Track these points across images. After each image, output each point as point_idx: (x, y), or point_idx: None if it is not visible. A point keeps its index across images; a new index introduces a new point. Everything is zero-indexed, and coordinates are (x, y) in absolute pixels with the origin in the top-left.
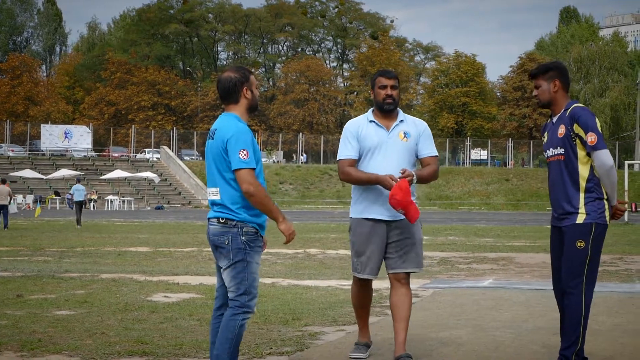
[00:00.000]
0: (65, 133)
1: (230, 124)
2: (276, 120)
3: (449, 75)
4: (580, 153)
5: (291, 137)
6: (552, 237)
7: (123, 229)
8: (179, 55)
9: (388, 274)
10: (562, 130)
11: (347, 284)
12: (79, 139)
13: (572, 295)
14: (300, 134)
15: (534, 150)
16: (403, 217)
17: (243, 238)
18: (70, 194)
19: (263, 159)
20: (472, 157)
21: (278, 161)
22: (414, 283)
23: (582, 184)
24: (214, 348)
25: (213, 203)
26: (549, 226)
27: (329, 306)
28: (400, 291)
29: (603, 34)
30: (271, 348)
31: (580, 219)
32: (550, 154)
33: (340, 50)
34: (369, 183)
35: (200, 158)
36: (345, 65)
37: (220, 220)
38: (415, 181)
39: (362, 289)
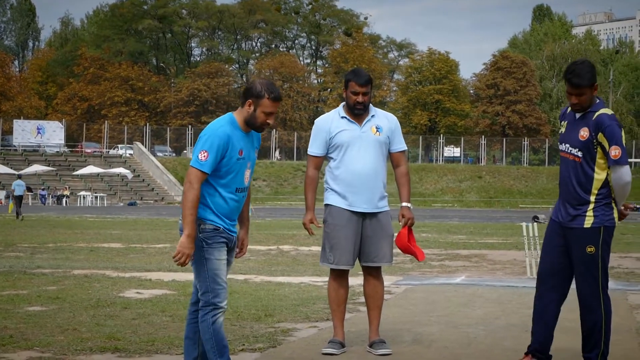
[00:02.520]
0: (38, 128)
1: (215, 124)
2: None
3: (423, 72)
4: (599, 161)
5: (264, 134)
6: (550, 230)
7: (95, 225)
8: (153, 51)
9: (362, 265)
10: (585, 133)
11: (320, 280)
12: (52, 134)
13: (595, 306)
14: (274, 130)
15: (507, 147)
16: (379, 210)
17: (200, 235)
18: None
19: None
20: (445, 155)
21: None
22: (387, 280)
23: (594, 191)
24: (189, 342)
25: None
26: (522, 224)
27: (302, 303)
28: (373, 282)
29: (576, 32)
30: (243, 344)
31: (588, 222)
32: (566, 150)
33: (314, 47)
34: (305, 205)
35: (174, 154)
36: (318, 62)
37: None
38: (413, 222)
39: (337, 281)
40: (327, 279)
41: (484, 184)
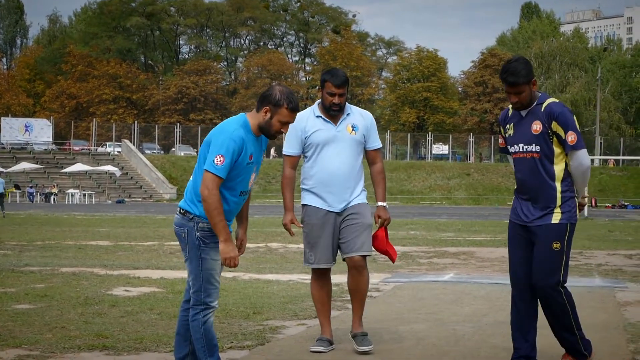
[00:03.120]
0: (26, 126)
1: (227, 126)
2: (237, 114)
3: (411, 70)
4: (556, 151)
5: None
6: (513, 233)
7: (84, 223)
8: (141, 49)
9: (343, 258)
10: (537, 126)
11: (309, 278)
12: (40, 132)
13: (553, 297)
14: None
15: (495, 145)
16: (354, 203)
17: (198, 234)
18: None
19: None
20: (433, 152)
21: None
22: (375, 277)
23: (558, 182)
24: (180, 339)
25: (186, 188)
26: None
27: (290, 300)
28: (356, 274)
29: (564, 29)
30: (232, 342)
31: (556, 219)
32: (520, 150)
33: (302, 45)
34: (283, 205)
35: (162, 152)
36: (307, 60)
37: (181, 210)
38: (389, 222)
39: (319, 280)
40: None
41: (472, 181)
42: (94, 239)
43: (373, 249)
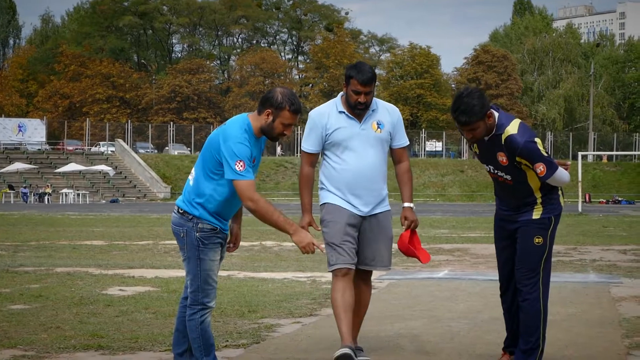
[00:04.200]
0: (19, 126)
1: (232, 130)
2: (231, 112)
3: (404, 67)
4: (529, 173)
5: None
6: (498, 234)
7: (78, 223)
8: (134, 48)
9: (361, 269)
10: (503, 158)
11: (303, 276)
12: (33, 132)
13: (530, 294)
14: None
15: None
16: (378, 211)
17: (197, 234)
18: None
19: None
20: (427, 149)
21: None
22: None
23: (536, 190)
24: (179, 335)
25: (185, 188)
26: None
27: (285, 298)
28: (363, 287)
29: (557, 25)
30: (227, 341)
31: (537, 214)
32: (494, 172)
33: (295, 43)
34: (301, 207)
35: (156, 151)
36: (300, 58)
37: (180, 210)
38: (417, 224)
39: (342, 282)
40: (310, 274)
41: (466, 178)
42: (88, 238)
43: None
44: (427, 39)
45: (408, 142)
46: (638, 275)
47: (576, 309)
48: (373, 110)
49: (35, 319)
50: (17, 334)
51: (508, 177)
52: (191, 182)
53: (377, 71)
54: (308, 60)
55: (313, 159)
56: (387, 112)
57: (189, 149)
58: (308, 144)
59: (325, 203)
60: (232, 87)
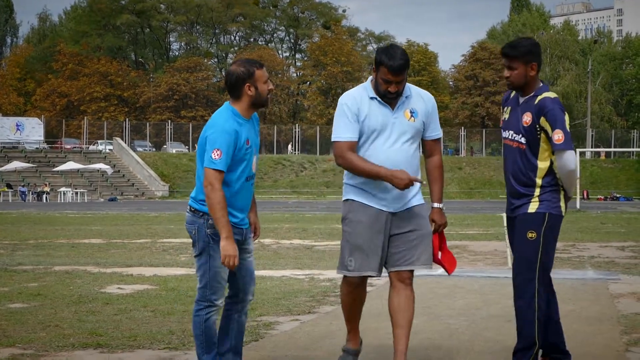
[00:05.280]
0: (17, 125)
1: (217, 120)
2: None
3: None
4: (542, 147)
5: None
6: (509, 227)
7: (76, 221)
8: (131, 46)
9: (389, 272)
10: (528, 118)
11: (302, 273)
12: (31, 131)
13: (525, 292)
14: None
15: (487, 138)
16: (412, 204)
17: (208, 231)
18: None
19: None
20: None
21: None
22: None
23: (540, 177)
24: (222, 333)
25: (196, 186)
26: (502, 214)
27: (283, 296)
28: (403, 293)
29: (554, 22)
30: None
31: (533, 208)
32: (509, 137)
33: (292, 40)
34: (377, 178)
35: (154, 149)
36: (297, 55)
37: (191, 209)
38: (445, 227)
39: (356, 290)
40: (308, 272)
41: (464, 175)
42: (86, 237)
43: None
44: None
45: (441, 135)
46: (636, 272)
47: (574, 305)
48: (407, 97)
49: (34, 317)
50: (16, 333)
51: (523, 140)
52: (198, 182)
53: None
54: (305, 58)
55: (353, 146)
56: (421, 100)
57: (187, 147)
58: (344, 130)
59: (348, 199)
60: None
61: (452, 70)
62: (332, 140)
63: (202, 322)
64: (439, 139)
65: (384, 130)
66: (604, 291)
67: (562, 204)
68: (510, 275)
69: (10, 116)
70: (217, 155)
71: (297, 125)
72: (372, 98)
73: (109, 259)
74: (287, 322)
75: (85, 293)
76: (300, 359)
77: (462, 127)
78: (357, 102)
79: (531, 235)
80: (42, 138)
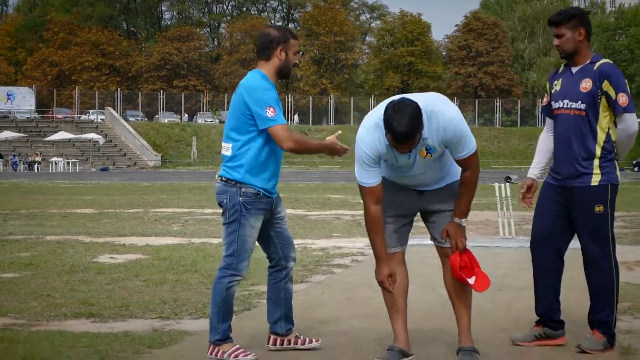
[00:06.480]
0: (8, 94)
1: (253, 81)
2: (221, 80)
3: (395, 34)
4: (602, 112)
5: None
6: (544, 195)
7: (68, 191)
8: (123, 15)
9: (436, 246)
10: (587, 84)
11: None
12: (22, 100)
13: (602, 265)
14: None
15: (479, 109)
16: (445, 183)
17: (240, 199)
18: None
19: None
20: None
21: (223, 121)
22: (360, 242)
23: (600, 144)
24: (270, 303)
25: (223, 160)
26: (494, 184)
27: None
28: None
29: None
30: None
31: (596, 180)
32: (564, 106)
33: (285, 10)
34: (375, 256)
35: (146, 119)
36: (290, 25)
37: (223, 178)
38: (465, 244)
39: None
40: (301, 241)
41: None
42: (78, 206)
43: None
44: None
45: (471, 151)
46: (627, 242)
47: (565, 274)
48: (423, 139)
49: (26, 287)
50: (8, 302)
51: (582, 106)
52: (227, 152)
53: (367, 39)
54: (298, 28)
55: (377, 194)
56: (436, 134)
57: (179, 116)
58: (365, 175)
59: None
60: (222, 55)
61: (446, 40)
62: (358, 183)
63: (224, 290)
64: (469, 156)
65: (403, 167)
66: None
67: (618, 172)
68: (502, 244)
69: (0, 86)
70: (272, 112)
71: (290, 95)
72: (387, 145)
73: (101, 228)
74: None
75: (77, 263)
76: None
77: (455, 98)
78: (377, 150)
79: (599, 208)
80: (33, 107)
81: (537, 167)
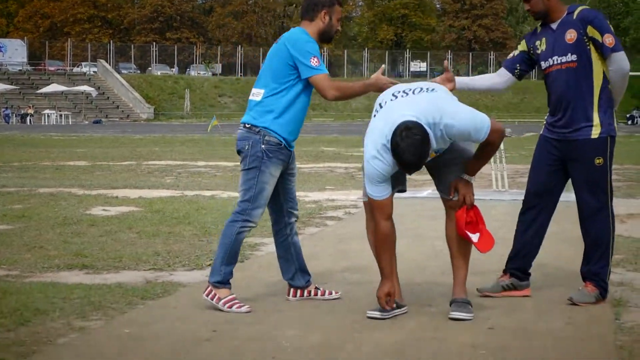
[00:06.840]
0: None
1: (298, 35)
2: (215, 32)
3: None
4: (594, 60)
5: (230, 50)
6: (541, 148)
7: (60, 144)
8: None
9: (442, 197)
10: (572, 35)
11: None
12: (14, 52)
13: (600, 216)
14: (239, 46)
15: (473, 62)
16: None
17: (263, 146)
18: None
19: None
20: (411, 69)
21: (216, 74)
22: (352, 194)
23: (596, 92)
24: (283, 262)
25: (249, 106)
26: None
27: (268, 217)
28: (449, 220)
29: None
30: (211, 259)
31: (596, 132)
32: (555, 63)
33: None
34: (380, 272)
35: (139, 71)
36: None
37: (246, 125)
38: (473, 199)
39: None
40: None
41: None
42: (71, 159)
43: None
44: None
45: (485, 133)
46: (619, 195)
47: (558, 227)
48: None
49: (19, 239)
50: (1, 254)
51: (573, 57)
52: (257, 97)
53: None
54: None
55: (387, 208)
56: (443, 141)
57: (172, 69)
58: (377, 190)
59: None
60: (215, 7)
61: None
62: (368, 198)
63: (234, 234)
64: (486, 139)
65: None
66: None
67: (616, 124)
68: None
69: None
70: (316, 61)
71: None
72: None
73: (94, 181)
74: (272, 243)
75: (70, 215)
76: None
77: (449, 51)
78: (389, 169)
79: (599, 161)
80: (25, 60)
81: (464, 80)
